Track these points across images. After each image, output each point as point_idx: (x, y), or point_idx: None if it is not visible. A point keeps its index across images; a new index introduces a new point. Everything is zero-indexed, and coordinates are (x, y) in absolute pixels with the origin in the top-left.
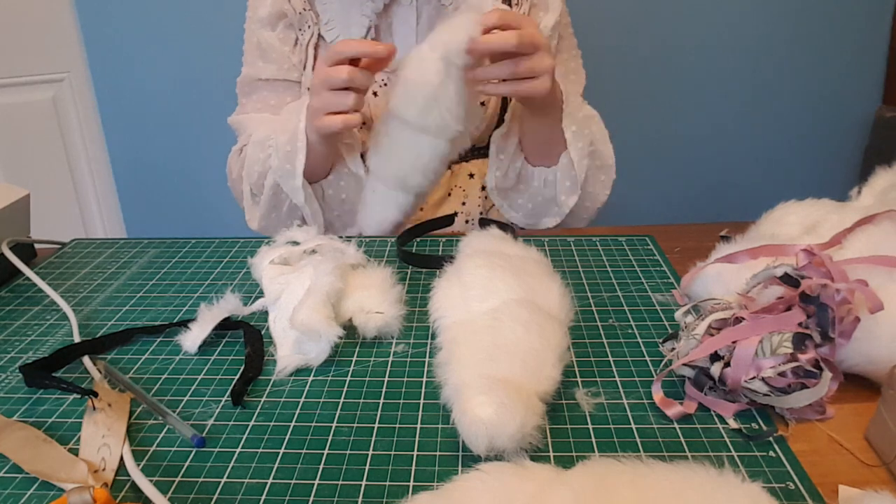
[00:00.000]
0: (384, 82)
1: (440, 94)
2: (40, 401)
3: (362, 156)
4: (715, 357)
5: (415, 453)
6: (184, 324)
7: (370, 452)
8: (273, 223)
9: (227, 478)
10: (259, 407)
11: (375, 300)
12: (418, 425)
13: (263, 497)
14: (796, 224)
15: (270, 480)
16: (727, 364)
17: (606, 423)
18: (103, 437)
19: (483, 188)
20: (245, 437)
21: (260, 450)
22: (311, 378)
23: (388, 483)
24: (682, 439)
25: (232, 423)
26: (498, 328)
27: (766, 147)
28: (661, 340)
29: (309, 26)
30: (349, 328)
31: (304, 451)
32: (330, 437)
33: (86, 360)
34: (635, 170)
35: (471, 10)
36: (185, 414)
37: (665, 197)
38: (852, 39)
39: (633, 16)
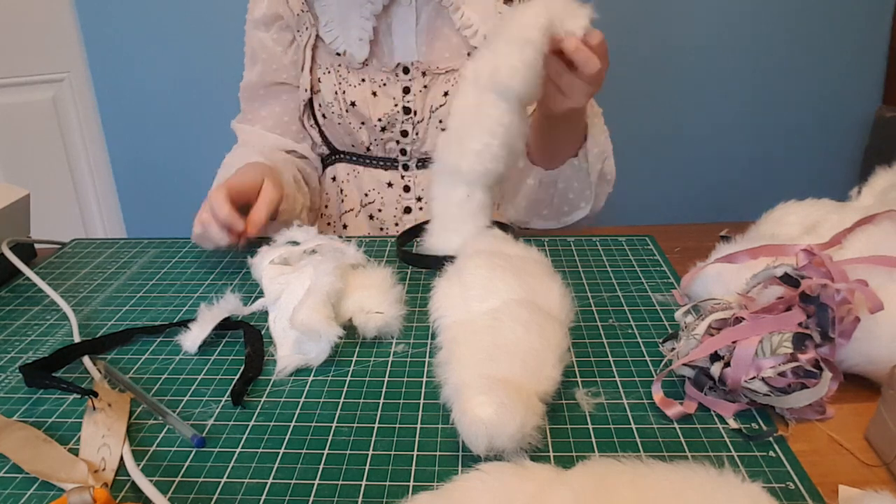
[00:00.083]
0: (383, 82)
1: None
2: (40, 401)
3: None
4: (715, 357)
5: (415, 453)
6: (184, 324)
7: (370, 452)
8: None
9: (227, 478)
10: (259, 407)
11: (375, 300)
12: (418, 425)
13: (263, 497)
14: (796, 224)
15: (270, 480)
16: (727, 364)
17: (606, 423)
18: (103, 437)
19: None
20: (245, 437)
21: (260, 450)
22: (311, 378)
23: (388, 483)
24: (682, 439)
25: (232, 423)
26: (498, 328)
27: (766, 147)
28: (661, 340)
29: (307, 28)
30: (349, 328)
31: (304, 451)
32: (330, 437)
33: (86, 360)
34: (635, 170)
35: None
36: (185, 414)
37: (665, 197)
38: (852, 39)
39: (633, 16)
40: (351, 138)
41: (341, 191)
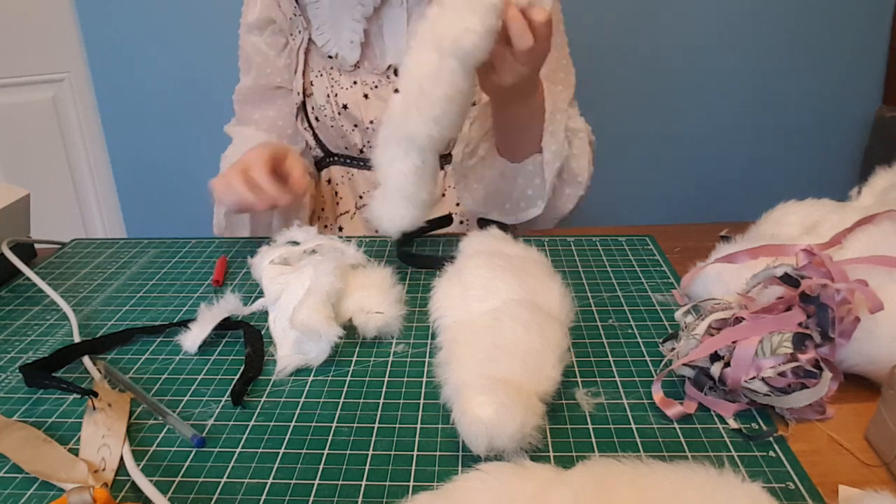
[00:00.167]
0: (375, 85)
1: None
2: (40, 401)
3: None
4: (715, 357)
5: (415, 453)
6: (184, 324)
7: (370, 452)
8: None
9: (227, 478)
10: (259, 407)
11: (375, 300)
12: (418, 425)
13: (263, 497)
14: (796, 224)
15: (270, 480)
16: (727, 364)
17: (606, 423)
18: (103, 437)
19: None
20: (245, 437)
21: (260, 450)
22: (311, 378)
23: (388, 483)
24: (682, 439)
25: (232, 423)
26: (498, 328)
27: (766, 147)
28: (661, 340)
29: (300, 31)
30: (349, 328)
31: (304, 451)
32: (330, 437)
33: (86, 360)
34: (635, 170)
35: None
36: (185, 414)
37: (665, 197)
38: (852, 39)
39: (632, 16)
40: (344, 141)
41: (336, 193)
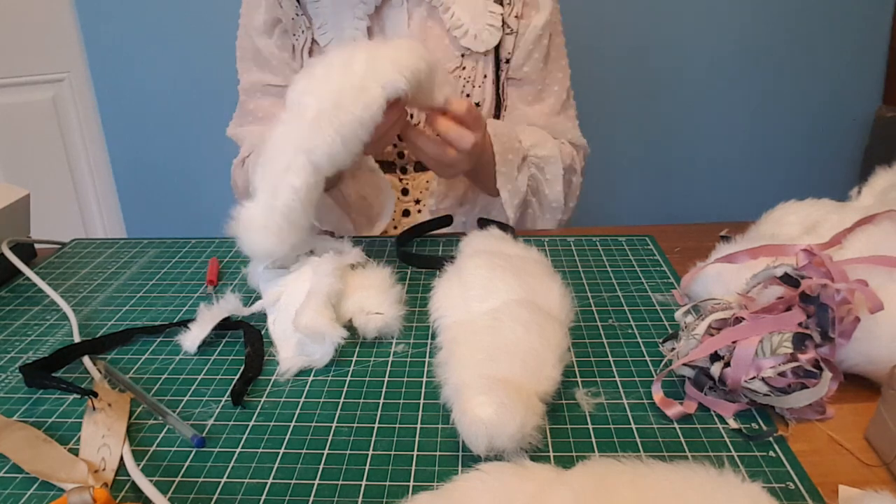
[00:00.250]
0: None
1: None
2: (40, 401)
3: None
4: (715, 357)
5: (415, 453)
6: (184, 324)
7: (370, 452)
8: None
9: (227, 478)
10: (259, 407)
11: (375, 300)
12: (418, 425)
13: (263, 497)
14: (796, 224)
15: (270, 480)
16: (727, 364)
17: (606, 423)
18: (103, 437)
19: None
20: (245, 437)
21: (260, 450)
22: (311, 378)
23: (388, 483)
24: (682, 439)
25: (232, 423)
26: (498, 328)
27: (766, 147)
28: (661, 340)
29: (303, 31)
30: (349, 328)
31: (304, 451)
32: (330, 437)
33: (86, 360)
34: (636, 170)
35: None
36: (185, 414)
37: (665, 197)
38: (852, 39)
39: (634, 17)
40: None
41: None
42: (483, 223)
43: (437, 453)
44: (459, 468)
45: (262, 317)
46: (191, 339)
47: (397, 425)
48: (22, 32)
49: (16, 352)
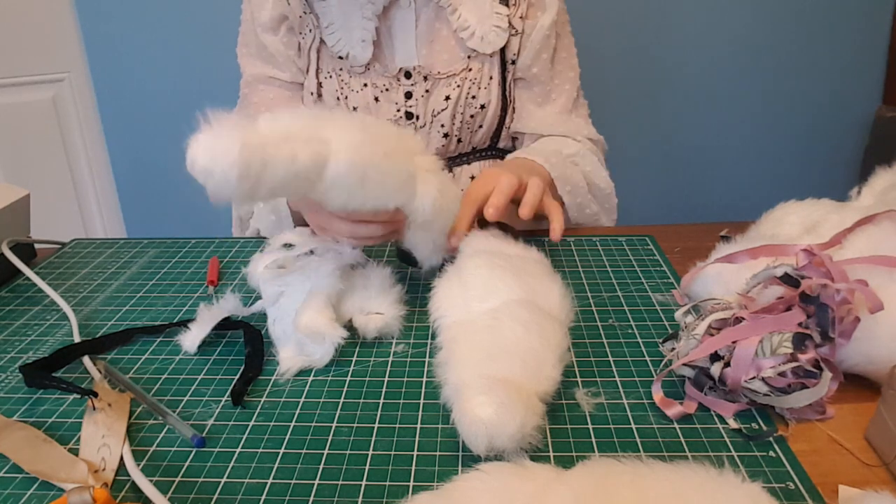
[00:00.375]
0: (385, 87)
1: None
2: (40, 401)
3: None
4: (715, 357)
5: (415, 453)
6: (184, 324)
7: (370, 452)
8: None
9: (227, 478)
10: (259, 407)
11: (375, 301)
12: (418, 425)
13: (263, 497)
14: (796, 224)
15: (270, 480)
16: (727, 364)
17: (606, 423)
18: (103, 437)
19: None
20: (245, 437)
21: (260, 450)
22: (311, 378)
23: (388, 483)
24: (682, 439)
25: (232, 423)
26: (498, 328)
27: (766, 147)
28: (661, 340)
29: (310, 30)
30: (349, 328)
31: (304, 451)
32: (330, 437)
33: (86, 360)
34: (635, 170)
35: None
36: (185, 414)
37: (665, 197)
38: (852, 39)
39: (634, 17)
40: None
41: None
42: (483, 223)
43: (437, 453)
44: (459, 468)
45: (262, 317)
46: (191, 339)
47: (397, 425)
48: (22, 32)
49: (16, 352)
